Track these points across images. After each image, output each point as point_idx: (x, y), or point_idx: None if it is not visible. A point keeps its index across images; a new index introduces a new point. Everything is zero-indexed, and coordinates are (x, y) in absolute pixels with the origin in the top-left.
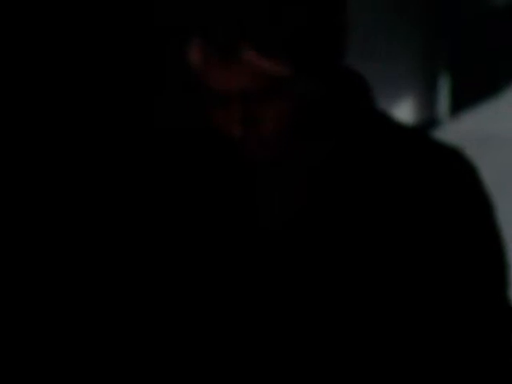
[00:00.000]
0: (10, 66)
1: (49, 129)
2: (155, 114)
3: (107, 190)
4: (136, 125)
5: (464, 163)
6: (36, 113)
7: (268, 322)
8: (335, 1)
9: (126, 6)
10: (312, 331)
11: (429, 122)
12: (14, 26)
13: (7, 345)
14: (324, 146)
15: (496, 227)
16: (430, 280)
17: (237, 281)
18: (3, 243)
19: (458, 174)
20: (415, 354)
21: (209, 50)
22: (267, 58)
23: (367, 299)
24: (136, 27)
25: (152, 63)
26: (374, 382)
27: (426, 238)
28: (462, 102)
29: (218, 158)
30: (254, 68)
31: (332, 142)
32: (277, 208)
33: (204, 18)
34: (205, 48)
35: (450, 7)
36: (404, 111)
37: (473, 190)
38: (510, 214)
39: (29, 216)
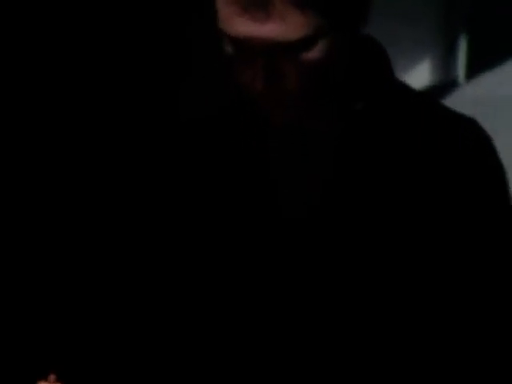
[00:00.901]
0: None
1: (59, 121)
2: (181, 104)
3: (120, 179)
4: (159, 112)
5: (480, 133)
6: (47, 105)
7: (290, 313)
8: None
9: None
10: (334, 319)
11: (447, 83)
12: (14, 26)
13: (7, 345)
14: (345, 113)
15: (509, 198)
16: (447, 251)
17: (254, 268)
18: (3, 242)
19: (475, 144)
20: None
21: None
22: (299, 10)
23: (391, 283)
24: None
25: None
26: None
27: (445, 208)
28: (479, 65)
29: (235, 137)
30: (284, 19)
31: (354, 108)
32: (298, 190)
33: None
34: None
35: None
36: (422, 72)
37: (488, 159)
38: None
39: (32, 212)
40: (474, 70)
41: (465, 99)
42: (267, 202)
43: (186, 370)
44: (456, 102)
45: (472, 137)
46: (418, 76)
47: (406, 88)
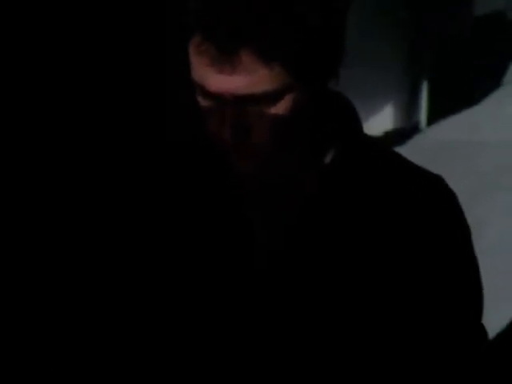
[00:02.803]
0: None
1: (53, 130)
2: (168, 125)
3: (108, 193)
4: (145, 132)
5: (446, 191)
6: (41, 118)
7: (267, 330)
8: (337, 12)
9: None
10: (309, 338)
11: (409, 128)
12: (15, 26)
13: (7, 344)
14: (313, 163)
15: (472, 249)
16: (413, 292)
17: (234, 294)
18: (3, 242)
19: (442, 199)
20: (397, 353)
21: (208, 49)
22: (266, 64)
23: (358, 310)
24: (142, 29)
25: (158, 68)
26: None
27: (413, 259)
28: (441, 111)
29: (210, 168)
30: (250, 72)
31: (322, 158)
32: (268, 225)
33: (208, 17)
34: (205, 47)
35: (434, 19)
36: (385, 117)
37: (454, 213)
38: (487, 219)
39: (30, 212)
40: (434, 116)
41: (426, 143)
42: (242, 235)
43: (185, 371)
44: (418, 145)
45: (438, 194)
46: (382, 120)
47: (373, 142)
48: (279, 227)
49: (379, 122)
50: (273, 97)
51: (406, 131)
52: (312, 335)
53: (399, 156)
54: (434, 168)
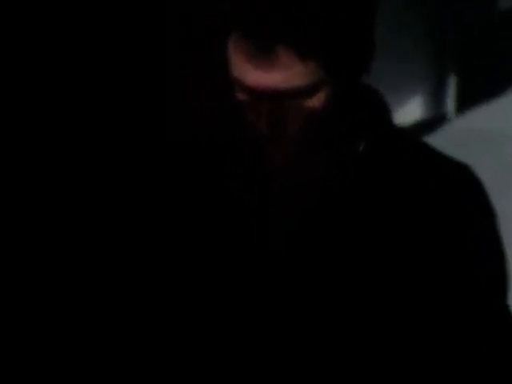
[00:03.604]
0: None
1: (56, 131)
2: (168, 125)
3: (113, 195)
4: (148, 133)
5: (473, 178)
6: (42, 119)
7: (272, 328)
8: (368, 8)
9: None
10: (318, 337)
11: (437, 118)
12: (17, 26)
13: (7, 345)
14: (343, 159)
15: (499, 238)
16: (436, 283)
17: (243, 286)
18: (6, 243)
19: (470, 188)
20: (415, 354)
21: (246, 47)
22: (301, 61)
23: (374, 306)
24: (159, 29)
25: (167, 69)
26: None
27: (436, 247)
28: (468, 101)
29: (238, 165)
30: (287, 68)
31: (354, 151)
32: (294, 216)
33: (246, 16)
34: (243, 45)
35: (460, 8)
36: (414, 108)
37: (481, 202)
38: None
39: (32, 214)
40: (463, 106)
41: (454, 133)
42: (257, 233)
43: (184, 372)
44: (446, 135)
45: (466, 183)
46: (411, 110)
47: (403, 133)
48: (307, 215)
49: (408, 112)
50: (307, 91)
51: (434, 121)
52: (327, 319)
53: (427, 146)
54: (462, 157)
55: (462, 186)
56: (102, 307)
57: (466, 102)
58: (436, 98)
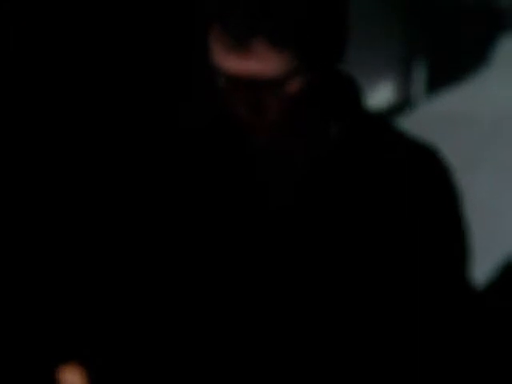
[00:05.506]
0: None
1: (66, 126)
2: (181, 113)
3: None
4: (159, 121)
5: (437, 157)
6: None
7: (271, 305)
8: (339, 1)
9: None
10: (313, 314)
11: (407, 101)
12: (14, 26)
13: (7, 345)
14: (321, 137)
15: (462, 214)
16: (405, 253)
17: (241, 257)
18: (7, 243)
19: (432, 166)
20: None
21: (225, 38)
22: (276, 51)
23: (360, 274)
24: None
25: (177, 64)
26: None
27: (402, 219)
28: (437, 84)
29: (226, 145)
30: (263, 58)
31: (329, 133)
32: (276, 189)
33: (224, 9)
34: (222, 37)
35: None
36: (384, 92)
37: (444, 179)
38: (480, 191)
39: (32, 212)
40: (432, 89)
41: (422, 116)
42: (256, 196)
43: (185, 370)
44: (416, 117)
45: (430, 162)
46: (382, 94)
47: (374, 116)
48: (290, 188)
49: (379, 96)
50: (282, 80)
51: (404, 104)
52: (319, 289)
53: (395, 127)
54: (432, 138)
55: (426, 165)
56: (103, 303)
57: (434, 86)
58: (406, 82)
